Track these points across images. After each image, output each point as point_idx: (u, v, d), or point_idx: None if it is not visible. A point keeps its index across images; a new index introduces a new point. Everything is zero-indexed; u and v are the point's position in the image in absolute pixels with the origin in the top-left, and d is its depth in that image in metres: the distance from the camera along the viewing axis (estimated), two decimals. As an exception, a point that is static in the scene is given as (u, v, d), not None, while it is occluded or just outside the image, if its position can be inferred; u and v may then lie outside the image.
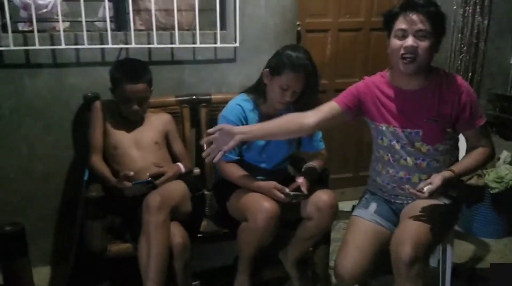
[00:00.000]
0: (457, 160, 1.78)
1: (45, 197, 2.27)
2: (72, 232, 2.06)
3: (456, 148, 1.79)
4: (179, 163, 2.01)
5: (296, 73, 1.79)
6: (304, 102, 1.88)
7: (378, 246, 1.70)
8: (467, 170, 1.70)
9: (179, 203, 1.81)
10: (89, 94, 2.13)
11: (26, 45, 2.09)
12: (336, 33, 2.94)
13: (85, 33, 2.10)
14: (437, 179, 1.57)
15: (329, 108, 1.74)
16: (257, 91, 1.94)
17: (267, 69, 1.87)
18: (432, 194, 1.55)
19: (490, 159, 1.75)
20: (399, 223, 1.71)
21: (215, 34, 2.33)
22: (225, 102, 2.03)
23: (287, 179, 2.00)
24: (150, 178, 1.83)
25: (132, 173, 1.80)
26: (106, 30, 2.14)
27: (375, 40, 3.01)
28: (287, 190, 1.81)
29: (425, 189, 1.55)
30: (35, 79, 2.15)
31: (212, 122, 2.24)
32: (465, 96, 1.65)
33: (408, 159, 1.71)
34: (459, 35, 2.92)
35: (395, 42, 1.61)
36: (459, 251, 2.52)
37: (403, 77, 1.68)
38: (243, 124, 1.89)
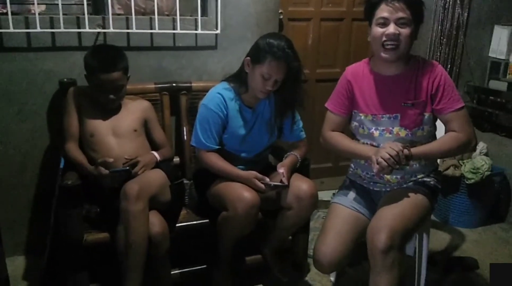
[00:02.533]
0: None
1: (20, 185, 2.22)
2: (47, 221, 2.02)
3: (434, 137, 1.82)
4: (153, 152, 1.98)
5: (278, 62, 1.77)
6: (287, 92, 1.87)
7: (357, 233, 1.72)
8: (427, 152, 1.67)
9: (158, 192, 1.79)
10: (65, 80, 2.08)
11: (-1, 28, 2.02)
12: (318, 22, 2.93)
13: (61, 16, 2.04)
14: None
15: (332, 121, 1.83)
16: (238, 79, 1.91)
17: (248, 57, 1.85)
18: (381, 165, 1.58)
19: (464, 146, 1.70)
20: (376, 211, 1.73)
21: (196, 20, 2.29)
22: (205, 90, 2.00)
23: (268, 168, 2.00)
24: (127, 167, 1.80)
25: (111, 160, 1.77)
26: (83, 14, 2.08)
27: (357, 30, 3.02)
28: (267, 179, 1.81)
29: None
30: (9, 63, 2.08)
31: (193, 110, 2.22)
32: (439, 79, 1.68)
33: None
34: (439, 27, 2.95)
35: (377, 30, 1.64)
36: (435, 240, 2.58)
37: (383, 64, 1.72)
38: (224, 114, 1.87)
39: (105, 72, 1.83)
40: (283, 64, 1.78)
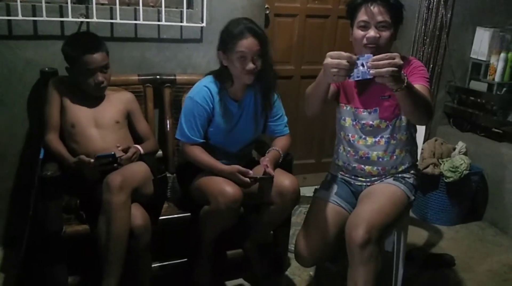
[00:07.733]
0: (413, 138, 1.86)
1: (-2, 175, 2.18)
2: (26, 213, 1.99)
3: (413, 126, 1.86)
4: (137, 145, 1.96)
5: (246, 38, 1.77)
6: (261, 71, 1.85)
7: (338, 228, 1.75)
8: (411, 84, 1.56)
9: (140, 184, 1.77)
10: (46, 69, 2.04)
11: (-21, 14, 1.97)
12: (304, 18, 2.93)
13: (43, 4, 2.01)
14: None
15: None
16: (222, 75, 1.90)
17: (220, 51, 1.85)
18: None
19: (428, 107, 1.59)
20: (356, 206, 1.75)
21: (182, 12, 2.27)
22: (190, 83, 1.99)
23: (251, 163, 2.01)
24: (113, 152, 1.77)
25: (91, 160, 1.75)
26: (66, 2, 2.05)
27: (342, 27, 3.03)
28: (251, 172, 1.82)
29: None
30: (-12, 51, 2.04)
31: (176, 103, 2.21)
32: (411, 66, 1.72)
33: (367, 138, 1.78)
34: (423, 26, 2.98)
35: (358, 33, 1.68)
36: (413, 236, 2.62)
37: None
38: (210, 107, 1.87)
39: (89, 54, 1.83)
40: (251, 38, 1.78)
